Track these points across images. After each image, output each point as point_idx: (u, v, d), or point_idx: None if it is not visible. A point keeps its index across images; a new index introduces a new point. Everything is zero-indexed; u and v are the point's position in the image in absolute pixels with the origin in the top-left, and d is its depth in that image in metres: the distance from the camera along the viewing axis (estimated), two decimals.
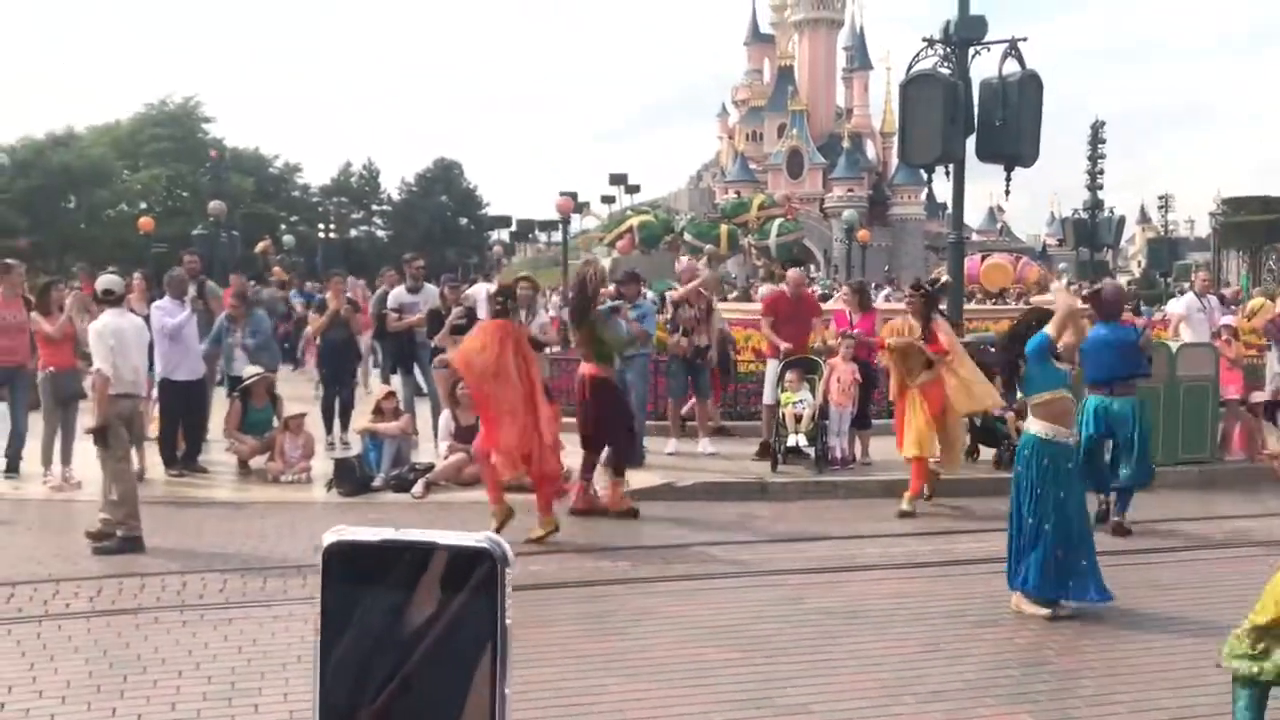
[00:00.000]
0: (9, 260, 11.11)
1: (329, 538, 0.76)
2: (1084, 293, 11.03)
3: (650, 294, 16.50)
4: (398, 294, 12.39)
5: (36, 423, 10.21)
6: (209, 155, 60.15)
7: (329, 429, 11.94)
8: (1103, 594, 6.32)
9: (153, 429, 10.79)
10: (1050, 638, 6.09)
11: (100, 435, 7.86)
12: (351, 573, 0.77)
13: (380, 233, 76.69)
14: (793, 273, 12.42)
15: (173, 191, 64.97)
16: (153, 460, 10.57)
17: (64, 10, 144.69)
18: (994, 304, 23.14)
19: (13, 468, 10.39)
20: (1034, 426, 6.44)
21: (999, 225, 69.82)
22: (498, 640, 0.76)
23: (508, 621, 0.76)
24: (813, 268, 60.83)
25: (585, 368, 9.15)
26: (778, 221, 55.62)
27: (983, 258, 31.91)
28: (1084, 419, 8.40)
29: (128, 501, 7.84)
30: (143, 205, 61.77)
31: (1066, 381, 6.46)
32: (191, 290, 10.97)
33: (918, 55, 13.27)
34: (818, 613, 6.51)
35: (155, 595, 6.78)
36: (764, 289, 26.78)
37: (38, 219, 56.38)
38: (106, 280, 8.51)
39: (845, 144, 71.04)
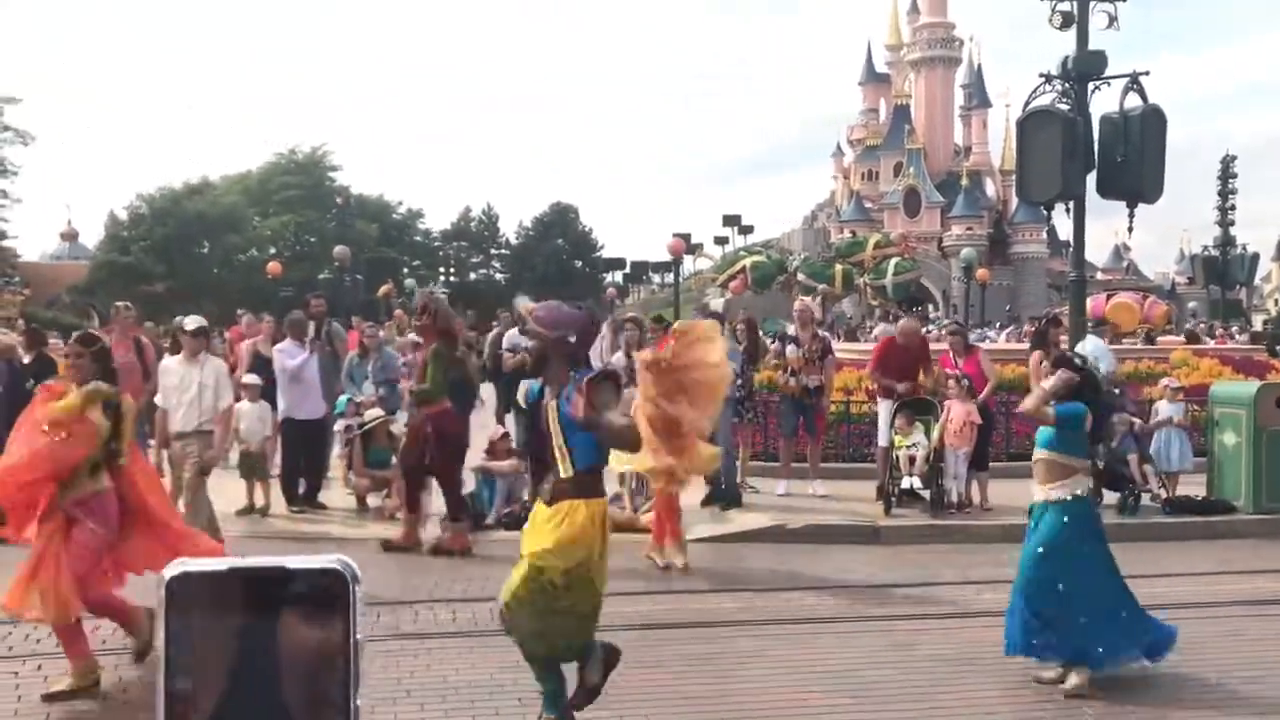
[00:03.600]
0: (118, 304, 11.69)
1: (170, 570, 0.78)
2: None
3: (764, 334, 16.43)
4: (511, 335, 12.60)
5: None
6: (336, 202, 62.37)
7: None
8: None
9: (274, 466, 11.13)
10: (1175, 689, 5.83)
11: (208, 469, 8.21)
12: (199, 602, 0.79)
13: (499, 276, 78.15)
14: (905, 323, 12.13)
15: (300, 237, 67.27)
16: (275, 496, 10.90)
17: (203, 68, 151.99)
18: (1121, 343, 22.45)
19: None
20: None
21: (1125, 263, 67.94)
22: (350, 653, 0.79)
23: (359, 635, 0.79)
24: (931, 307, 60.01)
25: (429, 407, 9.06)
26: (894, 260, 55.06)
27: (1108, 296, 31.06)
28: None
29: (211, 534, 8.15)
30: (272, 250, 64.10)
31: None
32: (311, 331, 11.29)
33: (1035, 91, 13.02)
34: (929, 659, 6.34)
35: None
36: (880, 329, 26.47)
37: (173, 265, 58.99)
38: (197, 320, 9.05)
39: (964, 182, 70.02)
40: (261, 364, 11.62)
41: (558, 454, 4.84)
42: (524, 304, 5.13)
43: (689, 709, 5.52)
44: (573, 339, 4.87)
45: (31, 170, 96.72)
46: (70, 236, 61.97)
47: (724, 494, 10.80)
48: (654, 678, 5.98)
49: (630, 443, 4.71)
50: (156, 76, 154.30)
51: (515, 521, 10.02)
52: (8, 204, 50.35)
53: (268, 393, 10.99)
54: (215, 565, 0.81)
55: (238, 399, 10.39)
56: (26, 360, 11.22)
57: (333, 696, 0.80)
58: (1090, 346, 11.98)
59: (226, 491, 10.04)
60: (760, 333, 17.98)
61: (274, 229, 66.76)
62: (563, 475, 4.82)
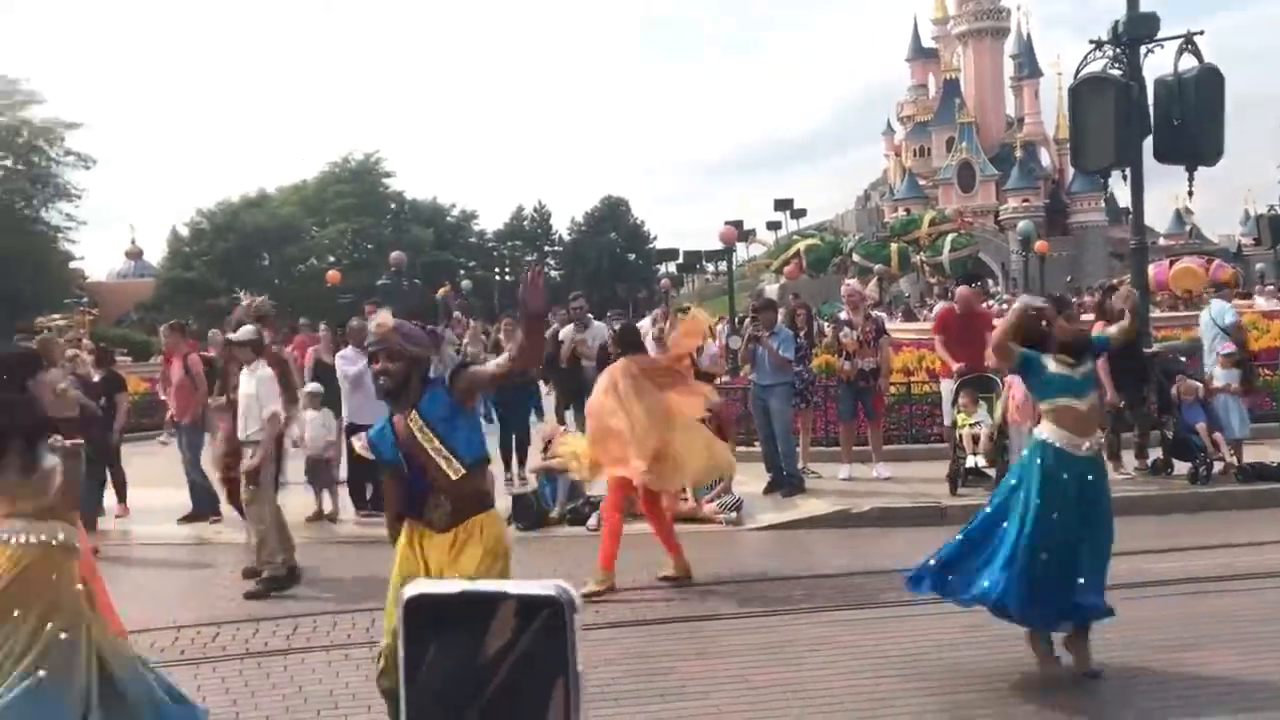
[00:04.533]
0: (172, 322, 11.98)
1: (408, 592, 0.79)
2: None
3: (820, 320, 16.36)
4: (567, 332, 12.69)
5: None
6: (390, 208, 62.97)
7: (507, 466, 12.24)
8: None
9: (341, 472, 11.29)
10: (1253, 657, 5.72)
11: (255, 475, 8.31)
12: (432, 622, 0.80)
13: (553, 272, 78.48)
14: (961, 290, 12.14)
15: (358, 244, 67.96)
16: (343, 501, 11.06)
17: (251, 77, 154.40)
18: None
19: (215, 512, 11.02)
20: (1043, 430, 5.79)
21: (1187, 227, 66.53)
22: (569, 683, 0.77)
23: (579, 666, 0.77)
24: (990, 282, 59.19)
25: None
26: (950, 237, 54.38)
27: (1171, 262, 30.47)
28: None
29: (270, 540, 8.26)
30: (330, 259, 64.86)
31: (1071, 388, 5.67)
32: None
33: (1086, 58, 12.81)
34: (1004, 639, 6.24)
35: (346, 632, 7.06)
36: (939, 307, 26.19)
37: (235, 277, 59.90)
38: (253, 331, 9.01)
39: (1018, 154, 69.10)
40: (324, 372, 11.81)
41: (439, 460, 4.45)
42: (384, 318, 4.65)
43: (757, 698, 5.51)
44: (431, 354, 4.69)
45: (95, 192, 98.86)
46: (135, 255, 63.06)
47: (786, 480, 10.78)
48: (721, 667, 5.99)
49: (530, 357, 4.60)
50: (208, 92, 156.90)
51: (579, 517, 10.11)
52: (74, 226, 51.45)
53: (332, 400, 11.17)
54: (447, 588, 0.82)
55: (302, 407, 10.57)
56: (96, 379, 11.49)
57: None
58: (1216, 308, 11.94)
59: (296, 499, 10.23)
60: (819, 317, 17.92)
61: (331, 238, 67.56)
62: (453, 476, 4.44)
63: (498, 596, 0.77)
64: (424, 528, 4.54)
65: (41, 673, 3.98)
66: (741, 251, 69.74)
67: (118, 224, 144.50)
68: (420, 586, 0.79)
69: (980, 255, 59.87)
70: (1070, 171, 63.09)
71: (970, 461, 10.41)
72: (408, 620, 0.78)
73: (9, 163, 50.02)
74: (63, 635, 4.06)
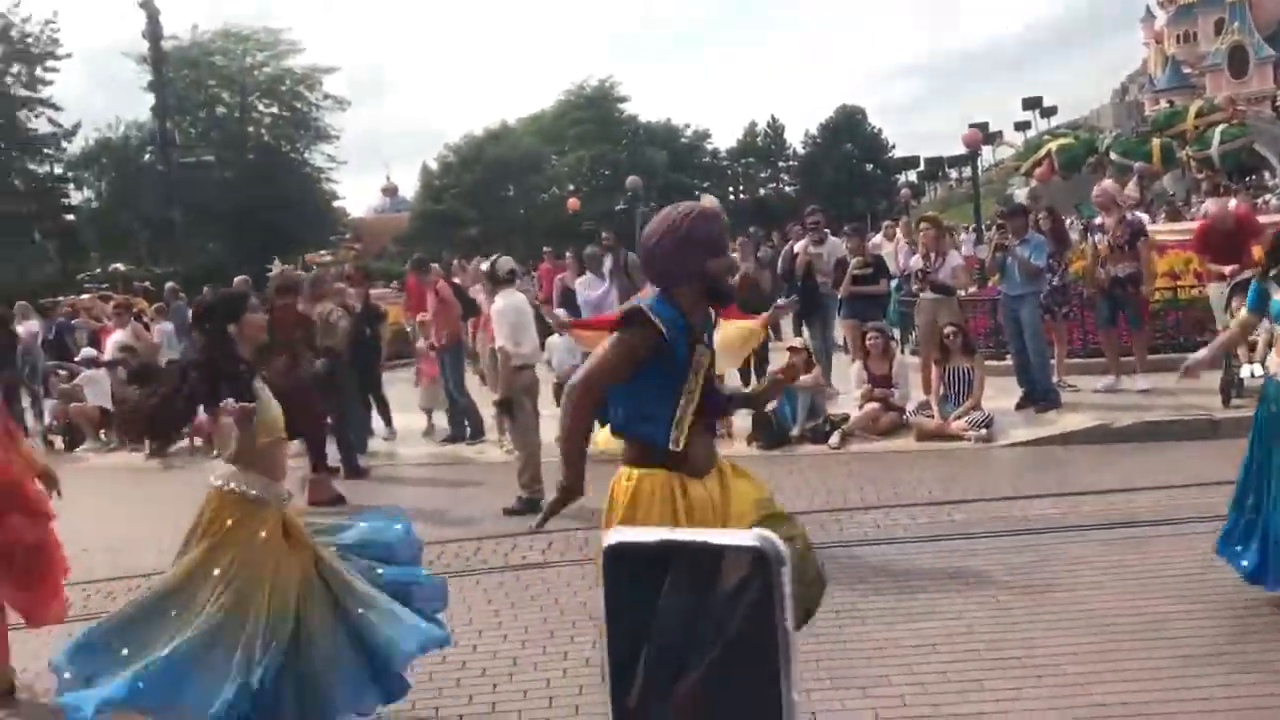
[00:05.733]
0: (413, 259, 12.69)
1: (609, 539, 0.77)
2: None
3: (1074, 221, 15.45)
4: (802, 246, 12.49)
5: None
6: (626, 133, 63.39)
7: (745, 384, 12.26)
8: None
9: None
10: None
11: (506, 406, 8.63)
12: (632, 572, 0.77)
13: (788, 188, 77.32)
14: (1211, 207, 11.60)
15: (595, 171, 69.00)
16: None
17: (484, 9, 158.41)
18: None
19: (477, 434, 11.57)
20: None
21: None
22: (779, 641, 0.71)
23: (788, 623, 0.71)
24: (1267, 175, 54.28)
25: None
26: (1220, 128, 49.88)
27: None
28: None
29: (530, 467, 8.54)
30: (570, 187, 66.23)
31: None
32: (608, 263, 11.64)
33: None
34: None
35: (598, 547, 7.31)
36: (1208, 204, 24.32)
37: (482, 209, 62.20)
38: (506, 262, 9.12)
39: None
40: (569, 298, 12.16)
41: (702, 408, 3.70)
42: (712, 200, 3.77)
43: (1014, 618, 5.35)
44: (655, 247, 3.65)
45: (351, 133, 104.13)
46: (390, 191, 66.44)
47: (1040, 395, 10.34)
48: (974, 587, 5.85)
49: None
50: (448, 27, 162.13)
51: (820, 435, 10.06)
52: (334, 166, 54.79)
53: None
54: (648, 536, 0.81)
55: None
56: (359, 310, 12.22)
57: (764, 682, 0.73)
58: None
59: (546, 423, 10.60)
60: (1078, 217, 16.89)
61: (570, 165, 68.86)
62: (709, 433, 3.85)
63: (701, 547, 0.73)
64: (681, 474, 3.66)
65: (221, 615, 4.10)
66: (988, 155, 66.58)
67: (373, 163, 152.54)
68: (621, 535, 0.77)
69: (1255, 146, 54.88)
70: None
71: (1245, 370, 9.67)
72: (608, 569, 0.76)
73: (275, 110, 53.67)
74: (240, 580, 4.17)
